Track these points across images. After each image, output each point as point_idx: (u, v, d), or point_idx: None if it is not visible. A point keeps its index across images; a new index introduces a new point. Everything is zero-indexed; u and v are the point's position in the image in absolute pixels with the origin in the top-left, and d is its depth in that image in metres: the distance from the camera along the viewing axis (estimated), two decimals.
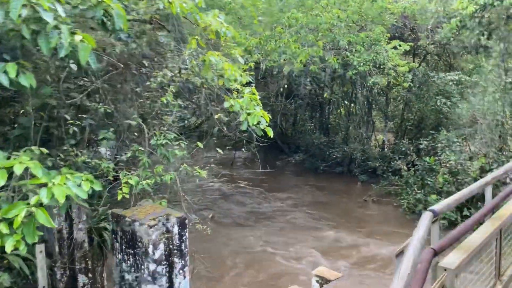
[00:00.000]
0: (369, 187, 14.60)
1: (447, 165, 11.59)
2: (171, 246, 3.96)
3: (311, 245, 10.30)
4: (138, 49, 4.92)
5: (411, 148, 13.38)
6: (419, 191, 12.01)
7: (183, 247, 4.04)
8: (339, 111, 19.45)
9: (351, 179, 15.92)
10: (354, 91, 15.39)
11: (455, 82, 14.01)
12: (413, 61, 16.62)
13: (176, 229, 4.00)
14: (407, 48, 9.86)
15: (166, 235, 3.96)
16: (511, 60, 11.87)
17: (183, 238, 4.06)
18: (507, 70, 11.66)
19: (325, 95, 11.20)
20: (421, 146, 12.97)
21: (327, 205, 13.31)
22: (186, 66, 5.44)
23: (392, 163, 13.76)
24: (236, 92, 6.40)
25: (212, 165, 6.80)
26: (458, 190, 11.70)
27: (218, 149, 6.25)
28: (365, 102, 16.86)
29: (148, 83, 5.20)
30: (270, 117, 7.55)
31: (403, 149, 13.53)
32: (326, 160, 16.79)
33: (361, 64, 9.43)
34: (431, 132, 13.32)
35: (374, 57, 9.40)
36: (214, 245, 9.73)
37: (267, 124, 6.22)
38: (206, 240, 9.19)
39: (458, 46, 14.99)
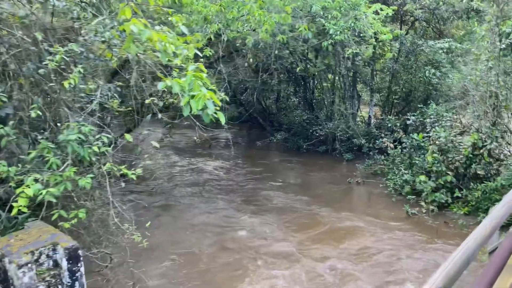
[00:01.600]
0: (355, 167, 13.65)
1: (437, 142, 10.55)
2: (60, 287, 2.90)
3: (283, 223, 9.62)
4: (31, 17, 3.72)
5: (398, 124, 12.31)
6: (406, 171, 11.03)
7: (77, 287, 2.98)
8: (324, 85, 18.26)
9: (336, 159, 14.92)
10: (337, 63, 14.19)
11: (445, 51, 12.85)
12: (400, 29, 15.41)
13: (65, 264, 2.94)
14: (390, 12, 8.66)
15: (52, 272, 2.89)
16: (506, 24, 10.72)
17: (77, 274, 2.99)
18: (501, 35, 10.52)
19: (297, 70, 9.98)
20: (408, 122, 11.90)
21: (305, 186, 12.35)
22: (103, 39, 4.25)
23: (377, 140, 12.72)
24: (177, 70, 5.26)
25: (149, 162, 5.66)
26: (448, 169, 10.83)
27: (153, 142, 5.12)
28: (349, 75, 15.68)
29: (45, 62, 4.02)
30: (227, 99, 6.43)
31: (389, 125, 12.47)
32: (309, 139, 15.74)
33: (338, 32, 8.24)
34: (419, 106, 12.25)
35: (352, 24, 8.20)
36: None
37: (218, 108, 5.11)
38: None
39: (448, 11, 13.81)
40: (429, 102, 12.10)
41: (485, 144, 10.16)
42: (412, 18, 15.14)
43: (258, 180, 12.91)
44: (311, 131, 15.48)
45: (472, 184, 10.12)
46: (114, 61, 5.50)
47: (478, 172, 10.11)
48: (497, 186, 9.59)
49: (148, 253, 7.57)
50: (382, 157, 12.75)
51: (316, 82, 18.54)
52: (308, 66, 16.03)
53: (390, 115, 15.02)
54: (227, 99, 6.22)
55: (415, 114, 11.93)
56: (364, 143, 14.05)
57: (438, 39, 13.94)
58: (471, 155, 10.29)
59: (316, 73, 16.70)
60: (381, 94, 16.26)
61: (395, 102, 15.33)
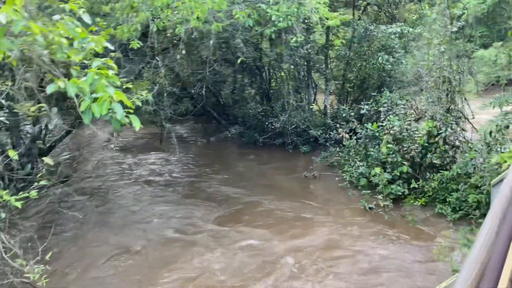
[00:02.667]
0: (312, 160, 13.16)
1: (391, 131, 10.13)
2: None
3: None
4: None
5: (352, 113, 11.83)
6: (361, 163, 10.58)
7: None
8: (279, 75, 17.58)
9: (293, 152, 14.37)
10: (289, 52, 13.53)
11: (397, 35, 12.44)
12: (353, 14, 14.95)
13: None
14: None
15: None
16: (457, 6, 10.41)
17: None
18: (453, 18, 10.19)
19: (238, 61, 9.21)
20: (362, 111, 11.44)
21: (259, 181, 11.74)
22: None
23: (331, 132, 12.22)
24: (76, 68, 4.42)
25: (44, 182, 4.79)
26: (404, 159, 10.45)
27: (46, 159, 4.24)
28: (304, 64, 15.10)
29: None
30: (151, 98, 5.64)
31: (344, 115, 11.98)
32: (266, 132, 15.08)
33: (281, 19, 7.55)
34: (373, 94, 11.81)
35: (295, 10, 7.53)
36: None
37: (131, 111, 4.33)
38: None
39: None
40: (382, 89, 11.66)
41: (440, 132, 9.84)
42: (364, 3, 14.70)
43: (207, 176, 12.39)
44: (267, 123, 14.84)
45: (428, 174, 9.78)
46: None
47: (434, 161, 9.79)
48: (453, 175, 9.28)
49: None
50: (338, 148, 12.27)
51: (271, 72, 17.84)
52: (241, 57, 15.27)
53: (346, 104, 14.58)
54: (151, 98, 5.44)
55: (369, 102, 11.48)
56: (320, 134, 13.55)
57: (391, 24, 13.54)
58: (426, 144, 9.96)
59: (271, 63, 16.02)
60: (336, 83, 15.79)
61: (350, 91, 14.88)
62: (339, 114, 13.37)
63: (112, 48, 4.96)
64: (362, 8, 14.95)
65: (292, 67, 16.10)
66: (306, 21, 8.27)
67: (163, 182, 11.92)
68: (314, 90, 16.60)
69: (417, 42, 13.08)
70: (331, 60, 15.94)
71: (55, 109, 4.27)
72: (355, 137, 11.35)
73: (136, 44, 6.93)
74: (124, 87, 5.10)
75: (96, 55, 4.93)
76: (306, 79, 15.12)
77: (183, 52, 7.40)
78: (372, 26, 12.97)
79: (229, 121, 17.84)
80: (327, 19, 8.10)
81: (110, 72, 4.32)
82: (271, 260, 7.26)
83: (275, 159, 13.82)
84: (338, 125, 12.27)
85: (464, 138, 10.42)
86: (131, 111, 4.38)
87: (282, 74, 16.12)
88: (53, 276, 6.60)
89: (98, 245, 8.11)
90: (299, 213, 9.33)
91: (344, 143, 11.79)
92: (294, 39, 7.94)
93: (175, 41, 8.43)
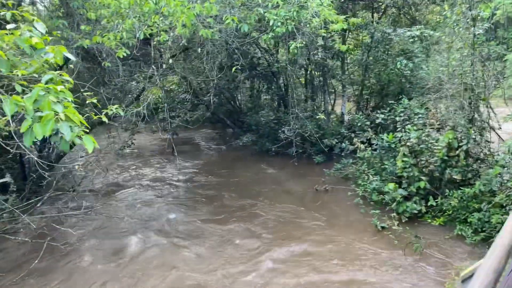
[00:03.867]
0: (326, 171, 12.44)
1: (407, 143, 9.30)
2: None
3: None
4: None
5: (368, 123, 11.03)
6: (375, 178, 9.79)
7: None
8: (295, 80, 16.89)
9: (307, 162, 13.72)
10: (303, 58, 12.89)
11: (416, 39, 11.56)
12: (372, 17, 14.17)
13: None
14: None
15: None
16: (481, 6, 9.48)
17: None
18: (475, 20, 9.27)
19: (233, 70, 8.53)
20: (377, 121, 10.64)
21: (264, 194, 11.10)
22: None
23: (343, 142, 11.43)
24: (23, 83, 4.00)
25: None
26: (422, 173, 9.56)
27: None
28: (320, 69, 14.40)
29: None
30: (121, 112, 5.16)
31: (359, 124, 11.19)
32: (279, 140, 14.46)
33: (279, 23, 6.94)
34: (390, 102, 10.96)
35: (296, 13, 6.90)
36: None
37: (87, 130, 3.88)
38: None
39: None
40: (401, 96, 10.82)
41: (460, 144, 8.94)
42: (384, 5, 13.88)
43: (209, 182, 11.99)
44: (280, 131, 14.21)
45: (448, 190, 8.89)
46: None
47: (454, 176, 8.89)
48: (475, 193, 8.37)
49: None
50: (351, 160, 11.50)
51: (289, 78, 17.21)
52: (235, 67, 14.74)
53: (365, 111, 13.77)
54: (120, 112, 4.97)
55: (385, 111, 10.67)
56: (335, 143, 12.80)
57: (411, 27, 12.66)
58: (446, 157, 9.08)
59: (286, 69, 15.38)
60: (355, 88, 14.98)
61: (370, 97, 14.04)
62: (354, 123, 12.58)
63: (73, 58, 4.51)
64: (382, 10, 14.12)
65: (307, 72, 15.44)
66: (308, 25, 7.64)
67: (165, 186, 11.87)
68: (331, 96, 15.86)
69: (440, 46, 12.16)
70: (349, 65, 15.16)
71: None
72: (370, 148, 10.57)
73: (122, 53, 6.50)
74: (88, 101, 4.66)
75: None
76: (322, 85, 14.39)
77: (170, 61, 6.93)
78: (390, 29, 12.14)
79: (243, 129, 17.32)
80: (332, 22, 7.44)
81: (60, 87, 3.87)
82: (249, 263, 7.21)
83: (286, 169, 13.20)
84: (353, 135, 11.49)
85: (489, 150, 9.47)
86: (87, 130, 3.93)
87: (296, 80, 15.46)
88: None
89: (95, 249, 8.14)
90: (297, 223, 9.01)
91: (358, 155, 11.01)
92: (294, 44, 7.32)
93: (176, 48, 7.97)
